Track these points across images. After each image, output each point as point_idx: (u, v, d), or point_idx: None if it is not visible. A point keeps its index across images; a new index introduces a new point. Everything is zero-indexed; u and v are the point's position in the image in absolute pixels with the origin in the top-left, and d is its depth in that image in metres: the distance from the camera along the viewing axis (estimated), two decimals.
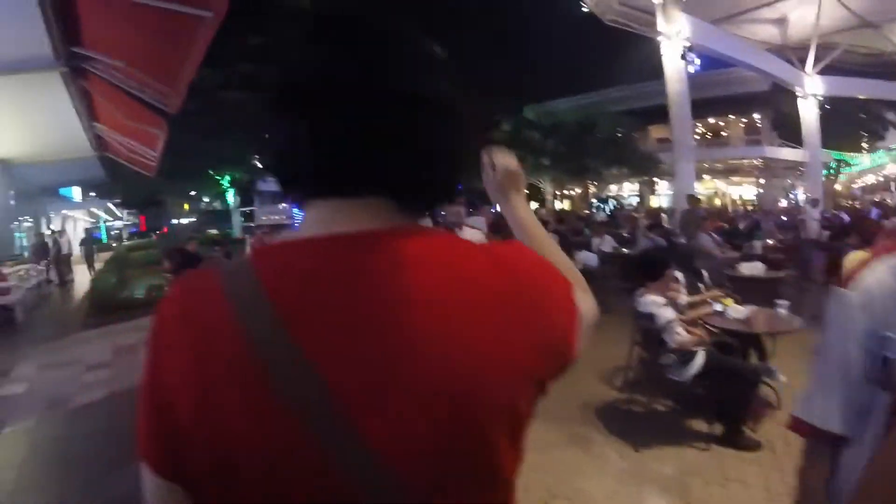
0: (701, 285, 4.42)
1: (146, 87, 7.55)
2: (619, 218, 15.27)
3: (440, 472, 0.53)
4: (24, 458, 3.58)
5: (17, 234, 15.88)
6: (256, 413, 0.50)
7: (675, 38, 14.79)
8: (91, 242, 16.41)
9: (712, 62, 17.95)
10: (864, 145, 28.48)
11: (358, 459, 0.50)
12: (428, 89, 0.58)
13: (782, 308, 4.05)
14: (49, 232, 16.70)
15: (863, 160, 28.76)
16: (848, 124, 24.94)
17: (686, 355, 3.39)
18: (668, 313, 3.40)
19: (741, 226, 11.65)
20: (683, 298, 3.91)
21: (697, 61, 15.93)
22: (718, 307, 4.06)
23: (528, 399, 0.59)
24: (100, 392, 4.75)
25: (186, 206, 28.64)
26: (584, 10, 18.10)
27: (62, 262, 14.01)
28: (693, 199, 9.70)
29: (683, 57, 14.85)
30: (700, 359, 3.40)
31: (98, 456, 3.58)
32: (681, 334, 3.35)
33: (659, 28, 15.15)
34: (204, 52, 4.83)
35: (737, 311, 3.99)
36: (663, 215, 12.74)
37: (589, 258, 7.46)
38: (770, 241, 9.48)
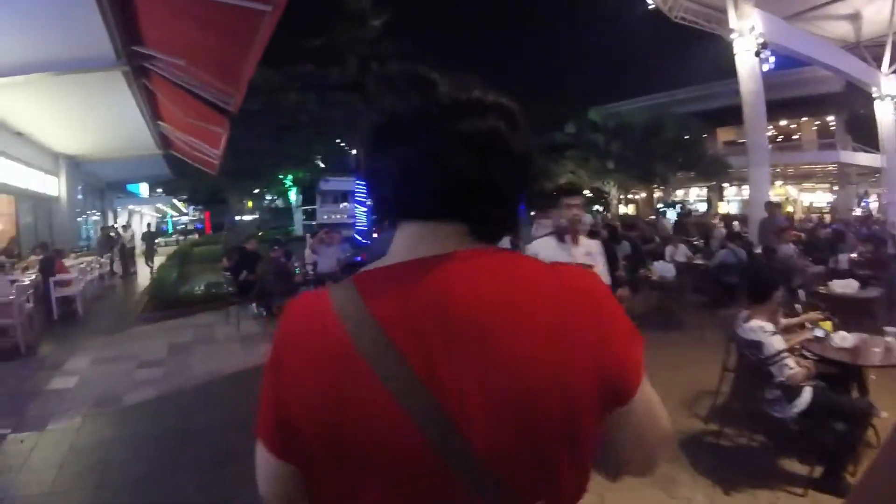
0: (798, 306, 3.90)
1: (207, 85, 7.60)
2: (688, 225, 14.52)
3: (511, 461, 0.63)
4: (65, 459, 3.50)
5: (84, 227, 16.62)
6: (365, 408, 0.62)
7: (748, 35, 13.99)
8: (152, 237, 16.78)
9: (783, 61, 16.98)
10: None
11: (451, 445, 0.61)
12: (525, 149, 0.72)
13: (893, 336, 3.49)
14: (115, 225, 17.43)
15: None
16: None
17: (792, 390, 2.92)
18: (778, 343, 2.94)
19: (822, 236, 10.65)
20: (780, 321, 3.42)
21: (772, 59, 15.07)
22: (819, 332, 3.54)
23: (589, 420, 0.66)
24: (150, 391, 4.72)
25: (250, 204, 29.49)
26: (651, 6, 17.38)
27: (126, 255, 14.54)
28: (773, 205, 8.94)
29: (757, 54, 14.03)
30: (807, 395, 2.94)
31: (139, 460, 3.48)
32: (792, 368, 2.88)
33: (731, 24, 14.38)
34: (263, 49, 4.70)
35: (842, 338, 3.46)
36: (735, 223, 11.89)
37: (665, 269, 6.97)
38: (853, 255, 8.58)
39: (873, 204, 24.34)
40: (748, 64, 14.21)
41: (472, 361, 0.62)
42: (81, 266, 9.96)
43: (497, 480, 0.62)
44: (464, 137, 0.66)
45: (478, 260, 0.68)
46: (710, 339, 3.55)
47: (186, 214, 39.18)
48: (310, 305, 0.70)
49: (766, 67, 14.61)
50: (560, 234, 3.10)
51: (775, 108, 21.30)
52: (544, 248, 3.08)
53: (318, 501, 0.69)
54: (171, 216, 38.20)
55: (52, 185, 13.58)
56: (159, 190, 27.08)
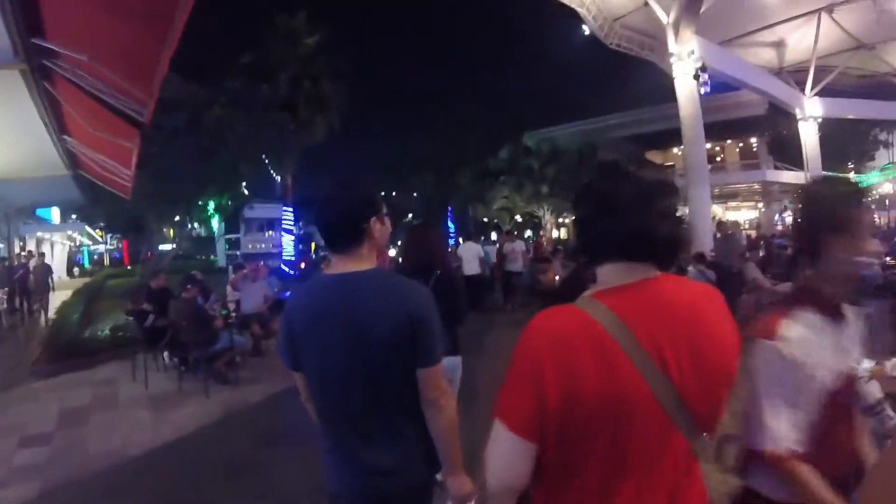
0: None
1: (115, 89, 6.54)
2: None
3: (710, 411, 1.01)
4: None
5: None
6: (624, 382, 0.92)
7: (686, 59, 14.30)
8: (47, 272, 13.47)
9: (712, 86, 17.62)
10: (851, 165, 28.08)
11: (668, 397, 0.94)
12: (678, 211, 1.07)
13: None
14: (19, 253, 15.27)
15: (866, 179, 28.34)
16: (839, 145, 24.62)
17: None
18: (875, 390, 2.31)
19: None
20: None
21: (708, 82, 15.45)
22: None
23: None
24: (30, 485, 3.54)
25: (172, 233, 27.23)
26: (587, 33, 17.60)
27: (30, 291, 12.43)
28: (729, 225, 8.79)
29: (696, 77, 14.32)
30: None
31: None
32: (893, 418, 2.27)
33: (670, 49, 14.65)
34: (177, 41, 3.81)
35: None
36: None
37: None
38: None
39: (788, 219, 25.73)
40: (687, 87, 14.53)
41: (684, 344, 0.96)
42: None
43: (691, 418, 0.97)
44: (662, 212, 1.01)
45: (671, 281, 1.04)
46: None
47: (103, 243, 36.05)
48: (569, 317, 0.98)
49: (703, 90, 14.94)
50: None
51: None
52: None
53: (544, 473, 1.00)
54: (87, 245, 34.94)
55: None
56: (74, 216, 24.49)
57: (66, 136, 10.01)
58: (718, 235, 11.39)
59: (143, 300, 6.43)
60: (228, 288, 7.44)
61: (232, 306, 7.23)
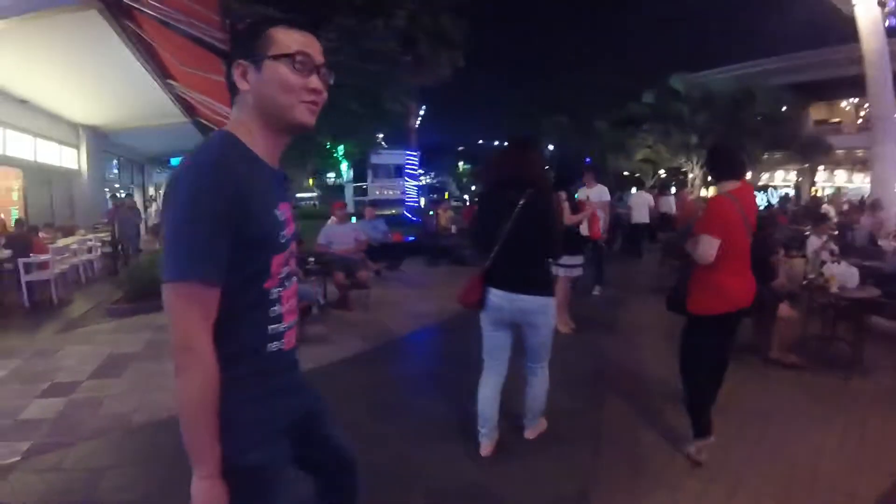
0: None
1: (190, 15, 6.14)
2: (795, 213, 12.08)
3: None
4: None
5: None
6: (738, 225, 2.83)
7: None
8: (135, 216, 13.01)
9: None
10: None
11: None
12: None
13: None
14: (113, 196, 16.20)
15: None
16: None
17: None
18: None
19: None
20: None
21: None
22: None
23: None
24: (23, 444, 3.15)
25: (311, 182, 27.94)
26: None
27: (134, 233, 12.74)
28: None
29: (882, 4, 11.13)
30: None
31: None
32: None
33: None
34: None
35: None
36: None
37: (849, 276, 4.40)
38: None
39: None
40: (870, 18, 11.29)
41: (749, 209, 2.96)
42: (73, 246, 8.76)
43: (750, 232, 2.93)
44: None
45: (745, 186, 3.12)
46: None
47: None
48: (726, 198, 2.81)
49: (888, 22, 11.63)
50: None
51: None
52: None
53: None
54: None
55: (71, 158, 12.66)
56: None
57: (171, 81, 10.13)
58: None
59: None
60: (322, 235, 6.78)
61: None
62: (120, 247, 9.98)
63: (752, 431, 3.22)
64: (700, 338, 2.88)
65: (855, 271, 4.40)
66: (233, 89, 1.20)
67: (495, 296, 2.84)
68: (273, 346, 1.18)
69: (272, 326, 1.18)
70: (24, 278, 7.02)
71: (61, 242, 8.51)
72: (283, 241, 1.17)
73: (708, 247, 2.69)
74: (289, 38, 1.17)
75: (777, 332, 4.39)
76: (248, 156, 1.14)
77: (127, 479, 2.76)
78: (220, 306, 1.07)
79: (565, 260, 5.23)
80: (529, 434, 3.17)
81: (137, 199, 17.66)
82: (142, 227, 11.38)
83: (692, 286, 2.88)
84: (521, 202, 2.77)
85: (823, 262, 4.74)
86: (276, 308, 1.18)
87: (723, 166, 2.91)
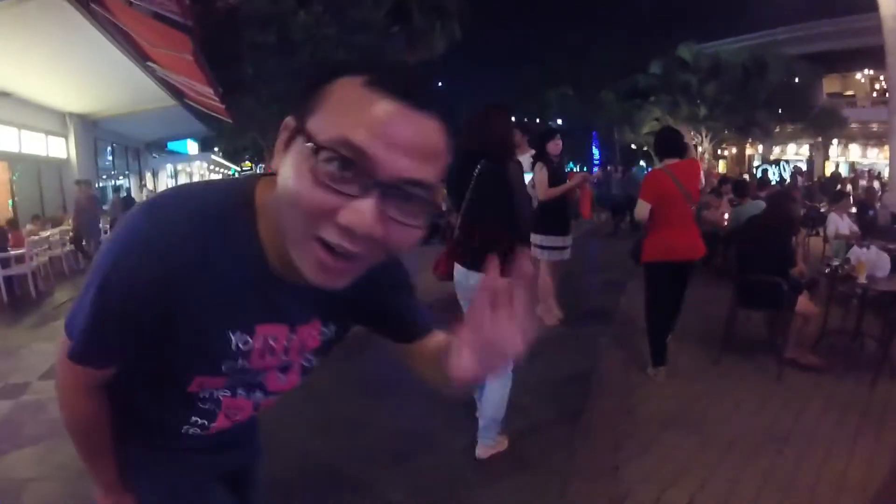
0: None
1: None
2: (811, 188, 11.71)
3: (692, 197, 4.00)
4: None
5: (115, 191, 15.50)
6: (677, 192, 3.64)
7: None
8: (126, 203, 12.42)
9: None
10: None
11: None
12: None
13: None
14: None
15: None
16: None
17: None
18: None
19: None
20: None
21: None
22: None
23: None
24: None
25: None
26: None
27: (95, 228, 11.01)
28: None
29: None
30: None
31: None
32: None
33: None
34: None
35: None
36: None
37: (880, 263, 3.86)
38: None
39: None
40: None
41: (688, 179, 3.69)
42: (55, 237, 8.61)
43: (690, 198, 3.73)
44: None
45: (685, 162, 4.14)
46: None
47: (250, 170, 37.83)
48: (661, 172, 3.67)
49: None
50: None
51: None
52: None
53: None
54: (236, 172, 36.89)
55: (59, 147, 12.48)
56: (216, 149, 25.74)
57: (150, 64, 9.86)
58: None
59: None
60: None
61: None
62: (83, 242, 9.59)
63: (764, 459, 2.75)
64: (653, 283, 3.71)
65: (886, 258, 3.86)
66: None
67: (458, 271, 2.75)
68: (192, 431, 0.94)
69: (187, 427, 0.92)
70: (1, 273, 6.89)
71: (44, 234, 8.36)
72: (226, 369, 0.80)
73: (641, 208, 3.57)
74: (354, 108, 0.57)
75: (794, 329, 3.88)
76: (242, 254, 0.71)
77: (50, 493, 2.59)
78: (122, 377, 0.86)
79: (545, 241, 4.84)
80: (481, 452, 2.78)
81: (133, 185, 17.54)
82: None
83: (644, 242, 3.72)
84: (475, 172, 2.66)
85: (850, 246, 4.36)
86: (198, 419, 0.91)
87: (664, 146, 3.72)
